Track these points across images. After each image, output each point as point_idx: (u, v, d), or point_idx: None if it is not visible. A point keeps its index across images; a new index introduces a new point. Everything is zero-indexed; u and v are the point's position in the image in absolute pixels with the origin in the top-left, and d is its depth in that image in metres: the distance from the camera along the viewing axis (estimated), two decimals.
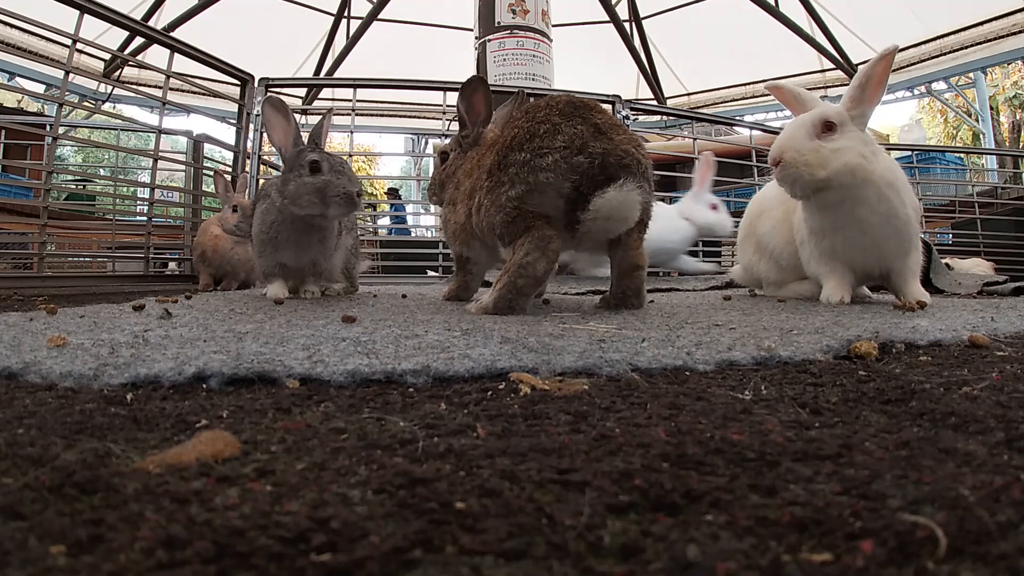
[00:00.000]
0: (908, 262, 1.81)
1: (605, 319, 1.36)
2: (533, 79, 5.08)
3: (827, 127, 1.72)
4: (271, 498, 0.42)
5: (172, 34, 4.42)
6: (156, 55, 5.63)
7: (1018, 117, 15.07)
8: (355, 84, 4.24)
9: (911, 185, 1.87)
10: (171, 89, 3.56)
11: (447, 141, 2.08)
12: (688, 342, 1.01)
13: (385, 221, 8.19)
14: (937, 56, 8.67)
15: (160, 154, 3.52)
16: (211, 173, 3.50)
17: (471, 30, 5.80)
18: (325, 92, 9.94)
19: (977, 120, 9.72)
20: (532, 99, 1.77)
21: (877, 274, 1.86)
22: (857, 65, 9.31)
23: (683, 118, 6.00)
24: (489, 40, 5.15)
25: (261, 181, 3.88)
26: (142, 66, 6.35)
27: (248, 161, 3.90)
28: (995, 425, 0.58)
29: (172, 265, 4.50)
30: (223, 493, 0.43)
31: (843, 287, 1.81)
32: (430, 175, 2.22)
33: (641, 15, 9.53)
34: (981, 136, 10.42)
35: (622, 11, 9.20)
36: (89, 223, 5.23)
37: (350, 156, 4.38)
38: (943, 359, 0.96)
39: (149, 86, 8.19)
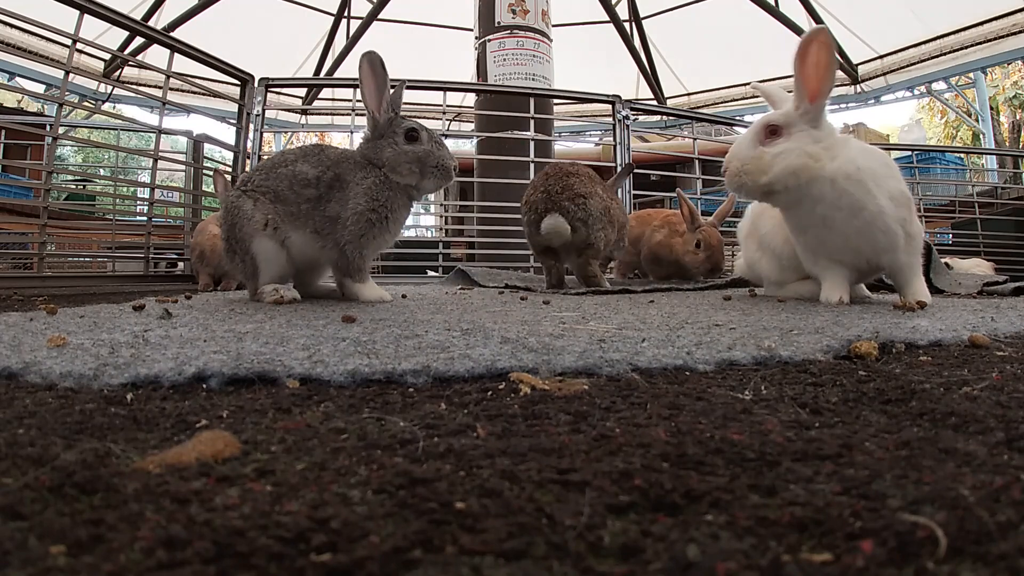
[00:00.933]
0: (900, 257, 1.76)
1: (605, 319, 1.36)
2: (533, 79, 5.08)
3: (772, 132, 1.75)
4: (271, 498, 0.42)
5: (172, 34, 4.42)
6: (156, 55, 5.63)
7: (1018, 117, 15.05)
8: (355, 84, 4.23)
9: (896, 179, 1.79)
10: (171, 89, 3.56)
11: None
12: (688, 342, 1.01)
13: None
14: (937, 56, 8.67)
15: (160, 154, 3.52)
16: (211, 173, 3.50)
17: (471, 30, 5.80)
18: (325, 92, 9.96)
19: (977, 120, 9.72)
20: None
21: (868, 270, 1.85)
22: (857, 65, 9.31)
23: (683, 118, 6.00)
24: (489, 40, 5.15)
25: None
26: (142, 66, 6.35)
27: (248, 161, 3.90)
28: (995, 425, 0.58)
29: (181, 265, 4.49)
30: (223, 493, 0.43)
31: (841, 287, 1.80)
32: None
33: (641, 15, 9.53)
34: (981, 136, 10.41)
35: (622, 11, 9.20)
36: (89, 223, 5.23)
37: None
38: (943, 359, 0.96)
39: (149, 86, 8.20)
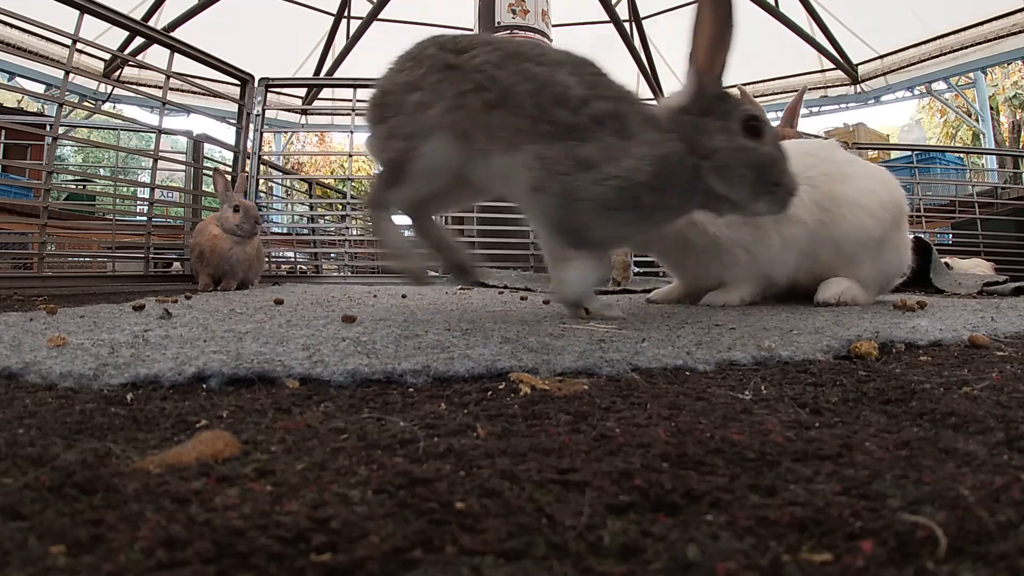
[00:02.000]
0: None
1: (605, 319, 1.36)
2: None
3: None
4: (271, 498, 0.42)
5: (172, 34, 4.42)
6: (156, 55, 5.63)
7: (1018, 117, 15.04)
8: (355, 84, 4.23)
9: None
10: (171, 89, 3.56)
11: None
12: (688, 342, 1.01)
13: None
14: (937, 56, 8.66)
15: (160, 154, 3.52)
16: (211, 173, 3.50)
17: (471, 30, 5.80)
18: (325, 92, 9.95)
19: (977, 120, 9.72)
20: None
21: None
22: (857, 65, 9.31)
23: None
24: None
25: (261, 182, 3.88)
26: (142, 66, 6.35)
27: (248, 161, 3.91)
28: (995, 425, 0.58)
29: (177, 265, 4.48)
30: (223, 493, 0.43)
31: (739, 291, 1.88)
32: None
33: (641, 15, 9.52)
34: (981, 136, 10.41)
35: (622, 11, 9.19)
36: (89, 223, 5.22)
37: (350, 156, 4.39)
38: (943, 359, 0.96)
39: (149, 86, 8.19)
